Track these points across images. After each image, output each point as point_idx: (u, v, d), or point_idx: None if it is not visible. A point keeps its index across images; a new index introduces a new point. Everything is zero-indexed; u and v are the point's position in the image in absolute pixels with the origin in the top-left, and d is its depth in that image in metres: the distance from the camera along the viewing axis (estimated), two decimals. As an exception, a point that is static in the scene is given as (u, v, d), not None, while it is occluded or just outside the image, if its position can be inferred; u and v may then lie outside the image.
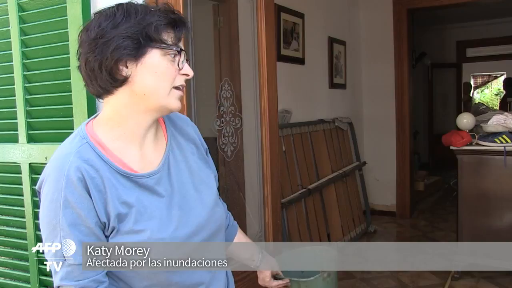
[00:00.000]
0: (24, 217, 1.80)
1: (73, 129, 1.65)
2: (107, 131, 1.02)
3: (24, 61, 1.75)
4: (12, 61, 1.77)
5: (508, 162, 3.18)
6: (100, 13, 1.00)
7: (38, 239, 1.77)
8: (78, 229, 0.94)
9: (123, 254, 0.98)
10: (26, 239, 1.81)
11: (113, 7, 0.99)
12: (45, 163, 1.71)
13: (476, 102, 9.17)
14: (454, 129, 3.61)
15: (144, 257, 0.98)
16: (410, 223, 5.02)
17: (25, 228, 1.80)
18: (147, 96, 0.99)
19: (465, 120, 3.47)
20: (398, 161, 5.15)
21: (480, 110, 3.83)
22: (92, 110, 1.62)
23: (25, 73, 1.76)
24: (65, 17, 1.64)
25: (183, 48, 1.02)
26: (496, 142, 3.22)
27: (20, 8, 1.75)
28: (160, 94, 1.00)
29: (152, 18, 0.97)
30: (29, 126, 1.77)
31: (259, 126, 2.54)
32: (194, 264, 1.05)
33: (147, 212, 1.00)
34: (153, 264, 0.99)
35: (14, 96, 1.78)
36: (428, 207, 5.68)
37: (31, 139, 1.77)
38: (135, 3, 1.01)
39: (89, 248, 0.95)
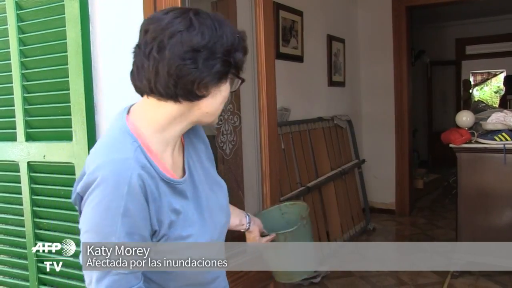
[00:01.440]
0: (22, 216, 1.80)
1: (71, 127, 1.64)
2: (151, 134, 0.99)
3: (22, 60, 1.75)
4: (10, 60, 1.77)
5: (507, 159, 3.18)
6: (198, 17, 0.94)
7: (37, 237, 1.77)
8: (132, 238, 0.92)
9: (168, 258, 0.99)
10: (24, 238, 1.80)
11: (208, 15, 0.96)
12: (44, 162, 1.72)
13: (476, 99, 9.17)
14: (453, 127, 3.61)
15: (188, 260, 1.00)
16: (409, 221, 5.03)
17: (23, 226, 1.80)
18: (208, 114, 1.01)
19: (465, 118, 3.47)
20: (397, 159, 5.16)
21: (480, 108, 3.82)
22: (90, 108, 1.62)
23: (23, 71, 1.75)
24: (63, 15, 1.63)
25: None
26: (496, 140, 3.22)
27: (18, 6, 1.74)
28: (217, 114, 1.03)
29: (240, 44, 0.98)
30: (27, 125, 1.77)
31: (258, 124, 2.54)
32: (218, 262, 1.08)
33: (189, 217, 1.02)
34: (194, 266, 1.01)
35: (12, 94, 1.78)
36: (427, 205, 5.69)
37: (29, 138, 1.77)
38: (223, 18, 0.99)
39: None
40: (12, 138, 1.80)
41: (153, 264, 0.98)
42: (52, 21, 1.67)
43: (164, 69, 0.92)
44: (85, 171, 0.95)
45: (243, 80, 1.02)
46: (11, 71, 1.77)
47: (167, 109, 0.98)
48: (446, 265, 3.63)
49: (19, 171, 1.79)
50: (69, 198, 1.66)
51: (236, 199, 2.78)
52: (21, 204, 1.80)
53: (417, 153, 7.03)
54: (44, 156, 1.72)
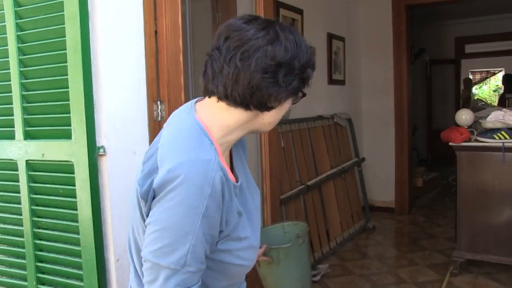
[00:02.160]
0: (21, 215, 1.79)
1: (70, 125, 1.63)
2: (219, 136, 1.01)
3: (21, 57, 1.74)
4: (8, 57, 1.76)
5: (506, 158, 3.18)
6: (284, 31, 0.97)
7: (36, 236, 1.77)
8: (206, 238, 0.93)
9: (224, 259, 1.01)
10: (23, 237, 1.79)
11: (290, 30, 0.98)
12: (42, 160, 1.71)
13: (475, 98, 9.17)
14: (453, 125, 3.61)
15: (243, 263, 1.03)
16: (409, 219, 5.03)
17: (22, 225, 1.79)
18: (269, 124, 1.04)
19: (464, 116, 3.47)
20: (396, 157, 5.16)
21: (479, 107, 3.82)
22: (89, 107, 1.61)
23: (21, 69, 1.74)
24: (62, 13, 1.62)
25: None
26: (495, 138, 3.22)
27: (16, 3, 1.73)
28: (276, 123, 1.07)
29: (310, 61, 0.99)
30: (26, 123, 1.76)
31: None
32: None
33: (246, 220, 1.04)
34: (246, 269, 1.06)
35: (11, 92, 1.77)
36: (426, 203, 5.69)
37: (28, 136, 1.76)
38: (300, 36, 1.00)
39: (206, 256, 0.96)
40: (11, 136, 1.79)
41: (208, 261, 0.98)
42: (51, 19, 1.66)
43: (245, 79, 0.93)
44: (158, 165, 0.94)
45: (304, 95, 1.03)
46: (9, 69, 1.76)
47: (235, 114, 1.00)
48: (446, 263, 3.64)
49: (17, 170, 1.78)
50: (68, 197, 1.67)
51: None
52: (20, 203, 1.79)
53: (417, 151, 7.03)
54: (43, 154, 1.71)
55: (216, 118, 1.01)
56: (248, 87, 0.94)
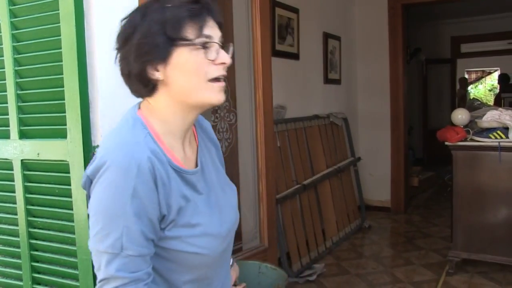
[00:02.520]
0: (16, 214, 1.78)
1: (65, 125, 1.62)
2: (159, 125, 1.01)
3: (16, 56, 1.73)
4: (3, 56, 1.75)
5: (502, 157, 3.19)
6: (125, 18, 0.99)
7: (31, 236, 1.76)
8: (141, 220, 0.92)
9: (175, 247, 0.98)
10: (18, 237, 1.79)
11: (134, 9, 0.99)
12: (38, 160, 1.70)
13: (471, 97, 9.20)
14: (448, 124, 3.62)
15: (198, 251, 0.99)
16: (405, 218, 5.04)
17: (17, 225, 1.78)
18: (184, 96, 0.98)
19: (460, 116, 3.48)
20: (392, 157, 5.17)
21: (475, 106, 3.84)
22: (85, 106, 1.60)
23: (16, 68, 1.73)
24: (57, 11, 1.61)
25: (211, 36, 0.97)
26: (491, 138, 3.23)
27: (11, 2, 1.72)
28: (195, 91, 0.98)
29: (169, 14, 0.94)
30: (21, 122, 1.75)
31: (254, 121, 2.53)
32: (222, 260, 1.11)
33: (198, 207, 1.02)
34: (203, 259, 1.01)
35: (6, 91, 1.76)
36: (422, 203, 5.70)
37: (23, 135, 1.75)
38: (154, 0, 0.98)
39: (147, 239, 0.93)
40: (6, 135, 1.78)
41: (160, 251, 0.98)
42: (46, 17, 1.65)
43: (119, 64, 1.01)
44: (96, 155, 0.96)
45: (206, 42, 0.96)
46: (4, 68, 1.75)
47: (157, 102, 1.01)
48: (441, 262, 3.64)
49: (12, 169, 1.77)
50: (64, 196, 1.66)
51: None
52: (15, 203, 1.78)
53: (413, 150, 7.05)
54: (38, 154, 1.70)
55: (150, 108, 1.02)
56: (124, 76, 1.01)
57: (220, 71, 0.99)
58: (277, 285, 1.54)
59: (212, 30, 0.98)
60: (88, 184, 0.96)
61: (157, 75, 0.96)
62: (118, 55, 0.99)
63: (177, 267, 1.01)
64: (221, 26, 1.02)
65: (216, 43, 0.98)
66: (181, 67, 0.96)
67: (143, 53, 0.94)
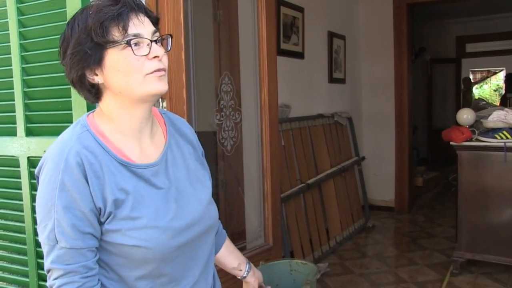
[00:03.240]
0: (22, 211, 1.79)
1: (72, 122, 1.62)
2: (107, 126, 1.05)
3: (23, 54, 1.73)
4: (10, 54, 1.75)
5: (508, 158, 3.18)
6: (61, 34, 1.04)
7: (37, 233, 1.76)
8: (72, 213, 0.95)
9: (117, 240, 0.99)
10: (24, 233, 1.79)
11: (66, 24, 1.03)
12: (44, 157, 1.71)
13: (476, 97, 9.17)
14: (453, 124, 3.61)
15: (138, 244, 0.99)
16: (409, 218, 5.03)
17: (23, 222, 1.79)
18: (124, 93, 1.01)
19: (465, 116, 3.47)
20: (397, 156, 5.16)
21: (481, 106, 3.82)
22: (91, 104, 1.61)
23: (23, 65, 1.74)
24: (64, 9, 1.62)
25: (138, 33, 0.99)
26: (496, 138, 3.22)
27: (19, 0, 1.72)
28: (133, 87, 1.00)
29: (92, 21, 0.97)
30: (28, 120, 1.76)
31: (259, 120, 2.53)
32: (185, 257, 1.08)
33: (144, 200, 1.02)
34: (147, 252, 1.00)
35: (13, 89, 1.76)
36: (426, 203, 5.69)
37: (29, 133, 1.76)
38: (82, 9, 1.02)
39: (81, 232, 0.96)
40: (12, 133, 1.79)
41: (106, 245, 1.01)
42: (53, 15, 1.66)
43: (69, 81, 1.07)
44: None
45: (128, 41, 0.98)
46: (11, 65, 1.76)
47: (104, 105, 1.06)
48: (446, 263, 3.64)
49: (19, 166, 1.78)
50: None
51: (236, 195, 2.78)
52: (21, 200, 1.78)
53: (417, 150, 7.03)
54: (45, 151, 1.69)
55: (99, 113, 1.08)
56: (69, 81, 1.06)
57: (156, 65, 1.01)
58: (305, 282, 1.52)
59: (139, 27, 0.99)
60: (37, 181, 1.04)
61: (97, 79, 1.01)
62: (63, 67, 1.04)
63: (124, 261, 1.02)
64: (154, 21, 1.05)
65: (145, 38, 0.99)
66: (114, 68, 0.99)
67: (77, 61, 0.99)
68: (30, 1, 1.71)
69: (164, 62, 1.03)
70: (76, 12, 1.02)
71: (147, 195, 1.03)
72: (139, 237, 0.99)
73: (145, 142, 1.08)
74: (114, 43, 0.97)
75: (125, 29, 0.98)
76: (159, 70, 1.01)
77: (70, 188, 0.95)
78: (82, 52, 0.98)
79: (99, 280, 1.01)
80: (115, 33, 0.97)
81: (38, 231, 0.99)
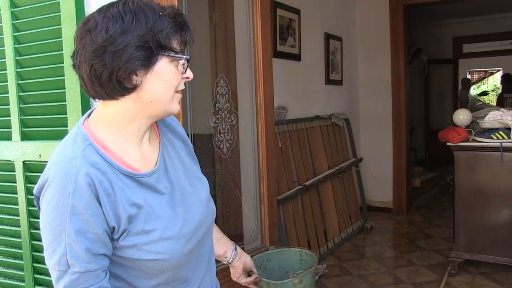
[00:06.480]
0: (18, 215, 1.78)
1: (67, 126, 1.63)
2: (107, 132, 1.00)
3: (17, 58, 1.73)
4: (5, 58, 1.75)
5: (504, 158, 3.19)
6: (104, 13, 0.94)
7: (33, 237, 1.76)
8: (85, 236, 0.91)
9: (133, 256, 0.97)
10: (20, 238, 1.79)
11: (118, 6, 0.94)
12: (39, 161, 1.70)
13: (473, 98, 9.18)
14: (450, 125, 3.61)
15: (157, 257, 0.98)
16: (407, 219, 5.03)
17: (19, 226, 1.79)
18: (154, 103, 0.99)
19: (462, 116, 3.48)
20: (394, 157, 5.16)
21: (477, 106, 3.83)
22: (86, 107, 1.61)
23: (18, 70, 1.74)
24: (58, 13, 1.62)
25: (188, 53, 1.01)
26: (493, 138, 3.22)
27: (13, 4, 1.73)
28: (166, 100, 1.00)
29: (163, 24, 0.94)
30: (23, 124, 1.76)
31: (255, 122, 2.53)
32: (194, 257, 1.09)
33: (154, 211, 1.00)
34: (164, 264, 1.00)
35: (7, 93, 1.76)
36: (424, 203, 5.70)
37: (24, 137, 1.76)
38: (142, 2, 0.97)
39: (94, 255, 0.92)
40: (7, 137, 1.79)
41: (120, 260, 0.98)
42: (48, 19, 1.66)
43: (84, 74, 0.96)
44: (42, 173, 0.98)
45: (187, 60, 1.00)
46: (6, 70, 1.76)
47: (112, 108, 0.99)
48: (443, 263, 3.64)
49: (14, 171, 1.78)
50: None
51: (233, 197, 2.78)
52: (17, 204, 1.78)
53: (414, 151, 7.04)
54: (40, 155, 1.71)
55: (100, 116, 1.02)
56: (90, 80, 0.95)
57: (183, 85, 1.03)
58: (292, 274, 1.52)
59: (184, 46, 1.01)
60: (37, 202, 0.98)
61: (136, 80, 0.95)
62: (91, 53, 0.93)
63: (141, 273, 1.00)
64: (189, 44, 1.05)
65: (186, 58, 1.00)
66: (162, 76, 0.97)
67: (128, 57, 0.92)
68: (24, 5, 1.71)
69: None
70: (140, 4, 0.95)
71: (156, 205, 1.01)
72: (156, 251, 0.98)
73: (144, 147, 1.06)
74: (174, 53, 0.97)
75: (184, 43, 0.99)
76: (182, 91, 1.03)
77: (82, 211, 0.90)
78: (143, 50, 0.93)
79: None
80: (174, 44, 0.97)
81: (45, 256, 0.93)
